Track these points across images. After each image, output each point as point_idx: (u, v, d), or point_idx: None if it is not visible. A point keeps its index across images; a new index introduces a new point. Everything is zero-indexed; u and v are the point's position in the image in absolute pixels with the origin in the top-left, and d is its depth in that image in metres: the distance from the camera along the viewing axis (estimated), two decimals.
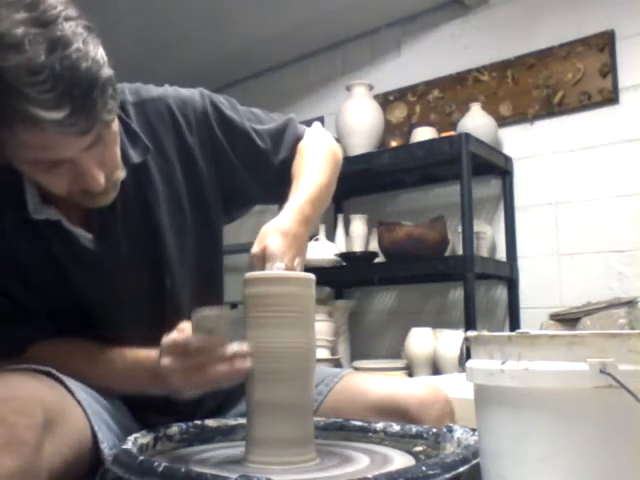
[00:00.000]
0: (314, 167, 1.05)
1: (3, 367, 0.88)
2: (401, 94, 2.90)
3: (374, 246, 2.62)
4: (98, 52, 0.81)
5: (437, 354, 2.35)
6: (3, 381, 0.80)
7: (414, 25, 2.89)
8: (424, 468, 0.66)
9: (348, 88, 2.73)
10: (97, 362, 0.97)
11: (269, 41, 3.01)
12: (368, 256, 2.59)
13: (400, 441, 0.92)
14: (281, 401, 0.81)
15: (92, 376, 0.95)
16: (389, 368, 2.41)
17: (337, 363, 2.45)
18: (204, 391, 0.88)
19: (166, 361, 0.84)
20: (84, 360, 0.97)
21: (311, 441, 0.83)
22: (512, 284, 2.52)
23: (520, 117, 2.57)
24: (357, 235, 2.71)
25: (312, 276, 0.85)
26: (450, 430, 0.86)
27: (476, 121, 2.50)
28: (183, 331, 0.84)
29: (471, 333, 0.67)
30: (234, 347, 0.81)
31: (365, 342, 2.85)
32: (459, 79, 2.73)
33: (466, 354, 2.16)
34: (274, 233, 0.89)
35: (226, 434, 0.98)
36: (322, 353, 2.41)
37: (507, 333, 0.63)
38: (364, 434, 0.96)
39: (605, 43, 2.38)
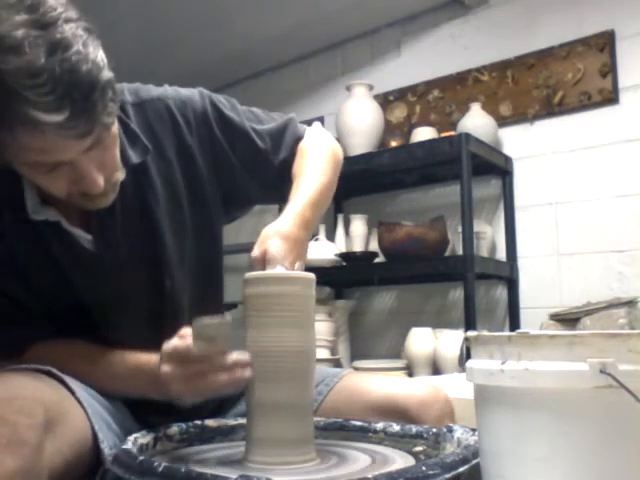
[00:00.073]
0: (315, 168, 1.05)
1: (4, 367, 0.88)
2: (401, 94, 2.90)
3: (374, 246, 2.62)
4: (98, 54, 0.81)
5: (437, 354, 2.35)
6: (4, 381, 0.80)
7: (414, 25, 2.89)
8: (424, 468, 0.67)
9: (348, 88, 2.73)
10: (98, 365, 0.97)
11: (269, 41, 3.01)
12: (368, 256, 2.59)
13: (400, 441, 0.92)
14: (281, 401, 0.81)
15: (92, 379, 0.95)
16: (389, 368, 2.41)
17: (337, 363, 2.44)
18: (204, 398, 0.88)
19: (166, 368, 0.85)
20: (84, 362, 0.97)
21: (311, 441, 0.83)
22: (512, 284, 2.52)
23: (520, 117, 2.57)
24: (357, 235, 2.71)
25: (312, 276, 0.85)
26: (450, 430, 0.86)
27: (476, 121, 2.50)
28: (184, 337, 0.84)
29: (471, 333, 0.67)
30: (235, 356, 0.81)
31: (365, 342, 2.85)
32: (459, 79, 2.73)
33: (466, 354, 2.16)
34: (275, 237, 0.89)
35: (226, 434, 0.98)
36: (322, 353, 2.41)
37: (507, 333, 0.63)
38: (364, 434, 0.96)
39: (605, 43, 2.38)
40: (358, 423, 0.98)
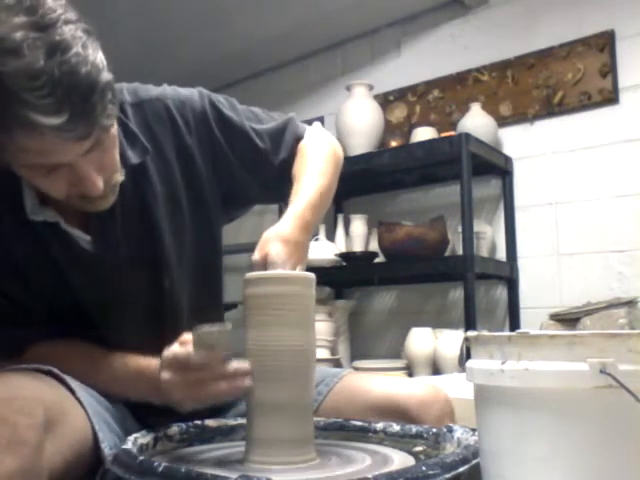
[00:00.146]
0: (315, 169, 1.05)
1: (4, 367, 0.88)
2: (401, 94, 2.90)
3: (374, 246, 2.61)
4: (97, 56, 0.80)
5: (437, 354, 2.35)
6: (4, 381, 0.80)
7: (414, 25, 2.89)
8: (424, 468, 0.67)
9: (348, 88, 2.73)
10: (98, 367, 0.97)
11: (269, 41, 3.01)
12: (368, 256, 2.59)
13: (400, 441, 0.92)
14: (281, 401, 0.81)
15: (92, 380, 0.95)
16: (389, 368, 2.41)
17: (337, 363, 2.44)
18: (204, 406, 0.89)
19: (166, 375, 0.85)
20: (85, 364, 0.97)
21: (311, 441, 0.83)
22: (512, 284, 2.52)
23: (520, 117, 2.57)
24: (357, 235, 2.71)
25: (312, 276, 0.85)
26: (450, 430, 0.86)
27: (476, 121, 2.50)
28: (185, 344, 0.84)
29: (471, 333, 0.67)
30: (235, 364, 0.81)
31: (365, 342, 2.85)
32: (459, 79, 2.73)
33: (466, 354, 2.16)
34: (275, 240, 0.89)
35: (226, 434, 0.98)
36: (322, 353, 2.41)
37: (507, 333, 0.63)
38: (364, 434, 0.96)
39: (605, 43, 2.38)
40: (358, 423, 0.98)
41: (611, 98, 2.36)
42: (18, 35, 0.75)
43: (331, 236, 2.78)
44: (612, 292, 2.27)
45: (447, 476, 0.67)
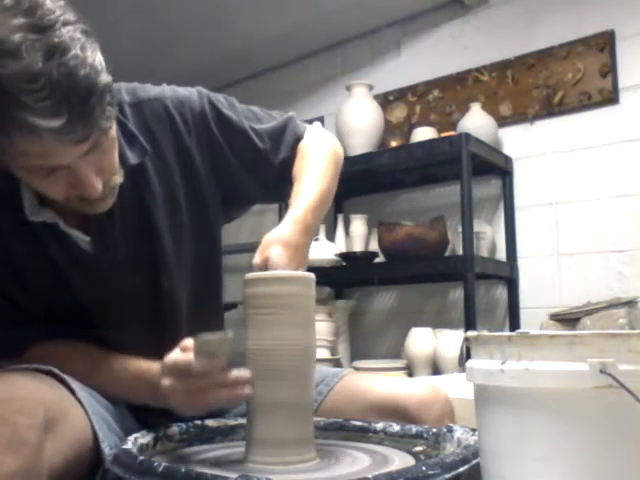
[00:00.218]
0: (315, 171, 1.05)
1: (4, 367, 0.88)
2: (401, 94, 2.90)
3: (374, 246, 2.62)
4: (96, 58, 0.80)
5: (437, 354, 2.35)
6: (4, 381, 0.80)
7: (414, 25, 2.89)
8: (424, 468, 0.67)
9: (348, 88, 2.73)
10: (99, 370, 0.97)
11: (269, 41, 3.01)
12: (368, 256, 2.59)
13: (400, 441, 0.92)
14: (281, 401, 0.81)
15: (93, 382, 0.95)
16: (389, 368, 2.41)
17: (337, 363, 2.45)
18: (203, 412, 0.89)
19: (167, 382, 0.85)
20: (85, 366, 0.97)
21: (311, 441, 0.83)
22: (512, 284, 2.52)
23: (520, 117, 2.57)
24: (357, 235, 2.71)
25: (312, 276, 0.85)
26: (450, 430, 0.86)
27: (476, 121, 2.50)
28: (186, 350, 0.84)
29: (471, 333, 0.67)
30: (235, 373, 0.81)
31: (365, 342, 2.85)
32: (459, 79, 2.73)
33: (466, 354, 2.16)
34: (276, 244, 0.89)
35: (226, 434, 0.98)
36: (322, 353, 2.41)
37: (507, 333, 0.63)
38: (364, 434, 0.96)
39: (605, 43, 2.38)
40: (358, 423, 0.98)
41: (611, 98, 2.36)
42: (17, 37, 0.74)
43: (331, 236, 2.78)
44: (612, 292, 2.27)
45: (447, 476, 0.67)
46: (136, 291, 1.02)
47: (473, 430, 0.80)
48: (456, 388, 1.32)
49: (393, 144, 2.64)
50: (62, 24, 0.77)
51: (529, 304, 2.49)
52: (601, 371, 0.55)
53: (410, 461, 0.81)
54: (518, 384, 0.59)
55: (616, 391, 0.55)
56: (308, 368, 0.84)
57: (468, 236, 2.24)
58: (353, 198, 2.95)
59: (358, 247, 2.68)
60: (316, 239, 2.66)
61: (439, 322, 2.58)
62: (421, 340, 2.40)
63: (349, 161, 2.31)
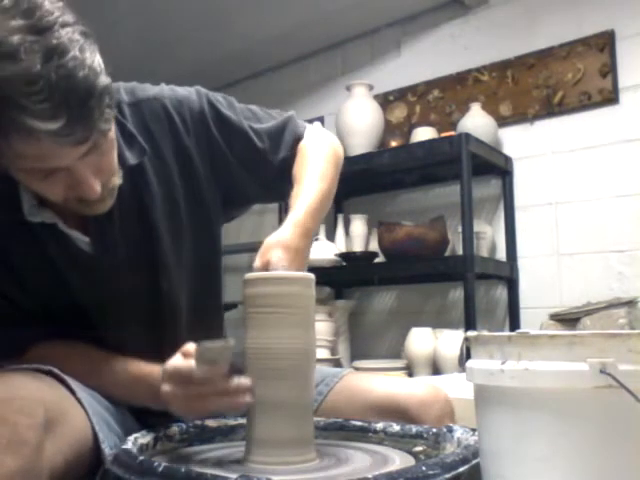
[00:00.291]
0: (315, 172, 1.04)
1: (4, 367, 0.88)
2: (401, 94, 2.90)
3: (374, 246, 2.62)
4: (95, 60, 0.79)
5: (437, 354, 2.35)
6: (4, 381, 0.80)
7: (414, 25, 2.89)
8: (424, 468, 0.67)
9: (348, 88, 2.73)
10: (99, 371, 0.97)
11: (269, 41, 3.01)
12: (368, 256, 2.59)
13: (400, 441, 0.92)
14: (281, 401, 0.81)
15: (93, 384, 0.95)
16: (389, 368, 2.41)
17: (337, 363, 2.45)
18: (203, 418, 0.89)
19: (167, 388, 0.85)
20: (85, 367, 0.97)
21: (311, 441, 0.83)
22: (512, 284, 2.52)
23: (520, 117, 2.57)
24: (357, 235, 2.71)
25: (312, 276, 0.85)
26: (450, 430, 0.86)
27: (476, 121, 2.50)
28: (187, 355, 0.84)
29: (471, 333, 0.67)
30: (236, 381, 0.81)
31: (365, 342, 2.85)
32: (459, 79, 2.73)
33: (466, 354, 2.16)
34: (276, 247, 0.89)
35: (226, 434, 0.98)
36: (322, 353, 2.41)
37: (507, 333, 0.63)
38: (364, 434, 0.96)
39: (605, 43, 2.38)
40: (358, 423, 0.98)
41: (611, 98, 2.36)
42: (15, 39, 0.74)
43: (331, 236, 2.78)
44: (612, 292, 2.27)
45: (447, 476, 0.67)
46: (135, 291, 1.02)
47: (473, 430, 0.80)
48: (456, 388, 1.32)
49: (393, 144, 2.64)
50: (61, 25, 0.77)
51: (529, 304, 2.49)
52: (601, 371, 0.55)
53: (410, 461, 0.81)
54: (518, 384, 0.59)
55: (616, 391, 0.55)
56: (308, 368, 0.84)
57: (468, 236, 2.24)
58: (353, 198, 2.95)
59: (358, 247, 2.68)
60: (316, 239, 2.66)
61: (439, 322, 2.58)
62: (421, 340, 2.40)
63: (349, 161, 2.32)
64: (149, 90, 1.05)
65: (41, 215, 0.95)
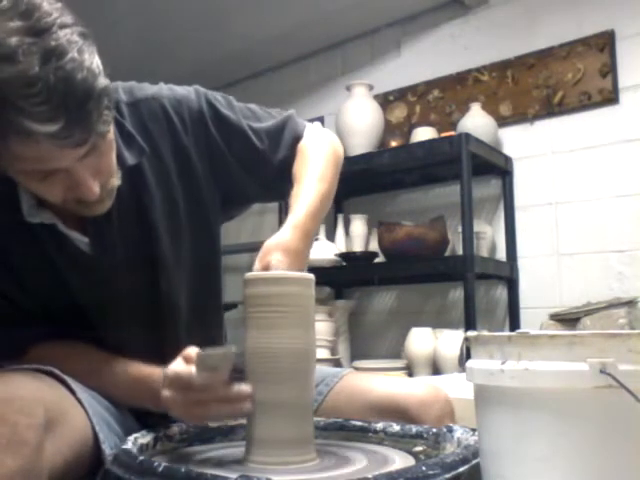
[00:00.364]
0: (315, 172, 1.04)
1: (4, 367, 0.88)
2: (401, 94, 2.90)
3: (374, 246, 2.62)
4: (94, 61, 0.79)
5: (437, 354, 2.35)
6: (4, 381, 0.79)
7: (414, 25, 2.89)
8: (424, 468, 0.67)
9: (348, 88, 2.73)
10: (100, 372, 0.97)
11: (269, 41, 3.01)
12: (368, 256, 2.59)
13: (400, 441, 0.92)
14: (281, 401, 0.81)
15: (93, 384, 0.95)
16: (389, 368, 2.41)
17: (337, 363, 2.45)
18: (203, 423, 0.89)
19: (168, 393, 0.85)
20: (85, 367, 0.97)
21: (311, 441, 0.83)
22: (512, 284, 2.52)
23: (520, 117, 2.57)
24: (357, 235, 2.71)
25: (312, 276, 0.85)
26: (450, 430, 0.86)
27: (476, 121, 2.50)
28: (188, 360, 0.84)
29: (471, 333, 0.67)
30: (237, 388, 0.81)
31: (365, 342, 2.85)
32: (459, 79, 2.73)
33: (466, 354, 2.16)
34: (276, 250, 0.89)
35: (226, 434, 0.98)
36: (322, 353, 2.41)
37: (507, 333, 0.63)
38: (364, 434, 0.96)
39: (605, 43, 2.38)
40: (358, 423, 0.97)
41: (611, 98, 2.36)
42: (13, 41, 0.73)
43: (331, 236, 2.78)
44: (612, 292, 2.27)
45: (447, 476, 0.67)
46: (135, 292, 1.02)
47: (473, 430, 0.80)
48: (456, 388, 1.32)
49: (393, 144, 2.64)
50: (59, 27, 0.76)
51: (529, 304, 2.49)
52: (601, 371, 0.55)
53: (410, 461, 0.81)
54: (518, 384, 0.59)
55: (616, 391, 0.55)
56: (308, 368, 0.84)
57: (468, 236, 2.24)
58: (353, 198, 2.95)
59: (358, 247, 2.68)
60: (316, 239, 2.66)
61: (439, 322, 2.58)
62: (421, 340, 2.40)
63: (349, 161, 2.32)
64: (147, 89, 1.05)
65: (40, 216, 0.95)
